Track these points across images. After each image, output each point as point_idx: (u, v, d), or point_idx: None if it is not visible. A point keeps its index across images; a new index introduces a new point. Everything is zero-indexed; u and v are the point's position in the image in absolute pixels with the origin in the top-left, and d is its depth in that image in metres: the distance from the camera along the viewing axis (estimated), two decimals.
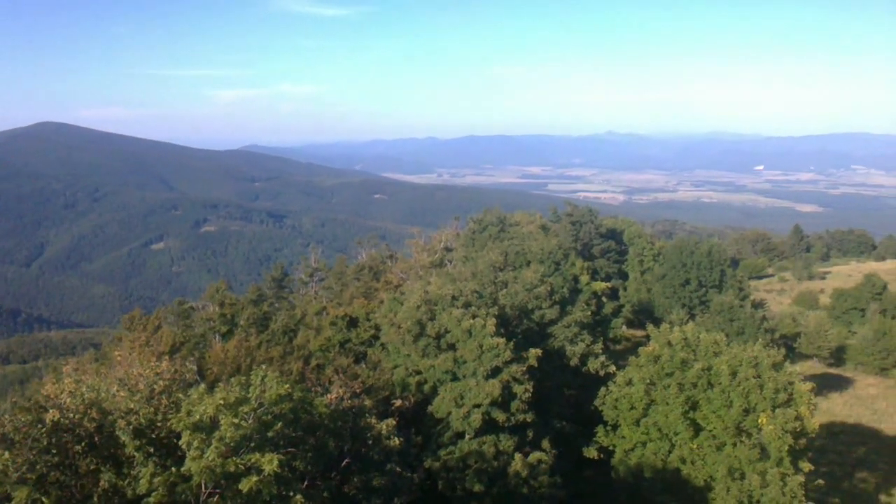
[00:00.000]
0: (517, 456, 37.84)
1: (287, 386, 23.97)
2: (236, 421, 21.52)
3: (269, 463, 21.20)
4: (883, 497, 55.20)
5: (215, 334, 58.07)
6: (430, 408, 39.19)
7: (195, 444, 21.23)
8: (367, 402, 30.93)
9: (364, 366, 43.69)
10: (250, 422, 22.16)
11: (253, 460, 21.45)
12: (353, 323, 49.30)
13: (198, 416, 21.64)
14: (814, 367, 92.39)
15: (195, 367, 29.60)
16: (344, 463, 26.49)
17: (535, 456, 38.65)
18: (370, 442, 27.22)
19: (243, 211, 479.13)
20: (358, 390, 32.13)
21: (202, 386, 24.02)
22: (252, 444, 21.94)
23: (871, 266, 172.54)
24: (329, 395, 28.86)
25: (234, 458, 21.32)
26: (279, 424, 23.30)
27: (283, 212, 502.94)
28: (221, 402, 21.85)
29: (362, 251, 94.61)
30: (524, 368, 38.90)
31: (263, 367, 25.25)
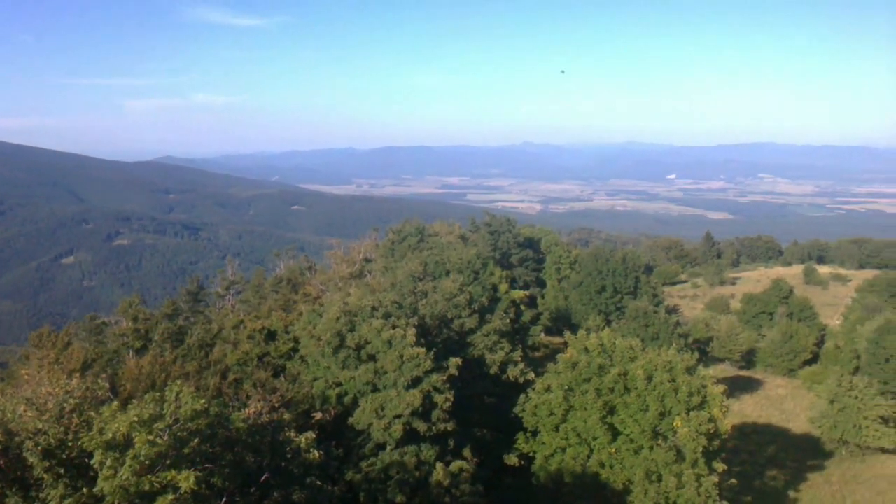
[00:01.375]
0: (439, 465, 37.89)
1: (203, 401, 23.49)
2: (151, 438, 21.00)
3: (186, 480, 20.75)
4: (792, 493, 57.13)
5: (129, 350, 56.49)
6: (350, 420, 38.95)
7: (108, 463, 20.65)
8: (287, 416, 30.55)
9: (283, 379, 43.16)
10: (165, 438, 21.66)
11: (169, 478, 20.96)
12: (271, 336, 48.66)
13: (110, 435, 21.06)
14: (726, 370, 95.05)
15: (107, 385, 28.73)
16: (263, 478, 26.07)
17: (456, 465, 38.77)
18: (289, 456, 26.86)
19: (157, 223, 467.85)
20: (277, 404, 31.69)
21: (115, 403, 23.39)
22: (168, 462, 21.44)
23: (779, 271, 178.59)
24: (247, 410, 28.38)
25: (149, 477, 20.80)
26: (195, 440, 22.82)
27: (199, 224, 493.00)
28: (135, 419, 21.31)
29: (280, 263, 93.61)
30: (445, 378, 39.01)
31: (179, 382, 24.65)
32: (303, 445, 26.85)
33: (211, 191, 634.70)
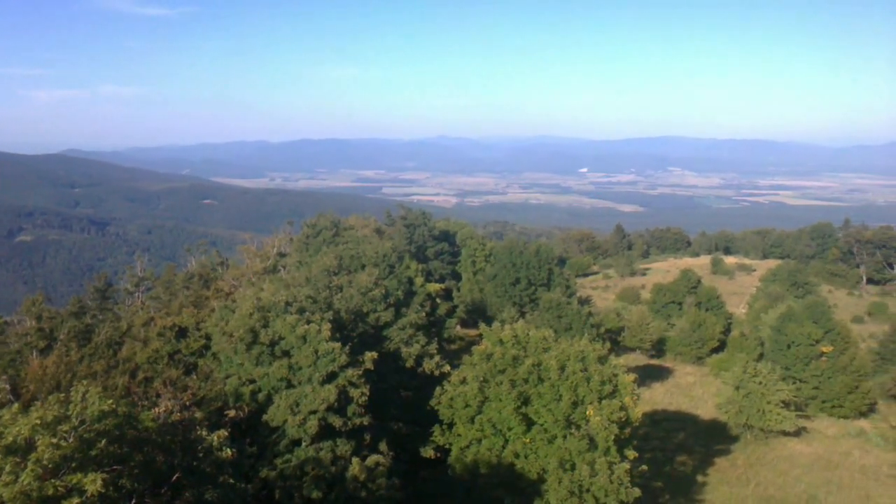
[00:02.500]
0: (355, 460, 37.73)
1: (111, 401, 22.90)
2: (55, 441, 20.38)
3: (93, 483, 20.19)
4: (700, 478, 58.81)
5: (32, 350, 54.56)
6: (265, 416, 38.45)
7: (7, 468, 19.94)
8: (198, 414, 30.00)
9: (195, 377, 42.29)
10: (71, 441, 21.04)
11: (74, 481, 20.36)
12: (182, 333, 47.64)
13: (11, 438, 20.34)
14: (637, 358, 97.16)
15: (8, 387, 27.78)
16: (174, 478, 25.56)
17: (372, 459, 38.68)
18: (201, 454, 26.41)
19: (62, 219, 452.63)
20: (188, 402, 31.10)
21: (16, 405, 22.59)
22: (73, 465, 20.84)
23: (687, 262, 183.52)
24: (157, 409, 27.81)
25: (54, 481, 20.16)
26: (103, 442, 22.23)
27: (106, 219, 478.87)
28: (38, 421, 20.64)
29: (192, 258, 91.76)
30: (360, 372, 38.87)
31: (85, 382, 23.98)
32: (215, 444, 26.44)
33: (119, 185, 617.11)
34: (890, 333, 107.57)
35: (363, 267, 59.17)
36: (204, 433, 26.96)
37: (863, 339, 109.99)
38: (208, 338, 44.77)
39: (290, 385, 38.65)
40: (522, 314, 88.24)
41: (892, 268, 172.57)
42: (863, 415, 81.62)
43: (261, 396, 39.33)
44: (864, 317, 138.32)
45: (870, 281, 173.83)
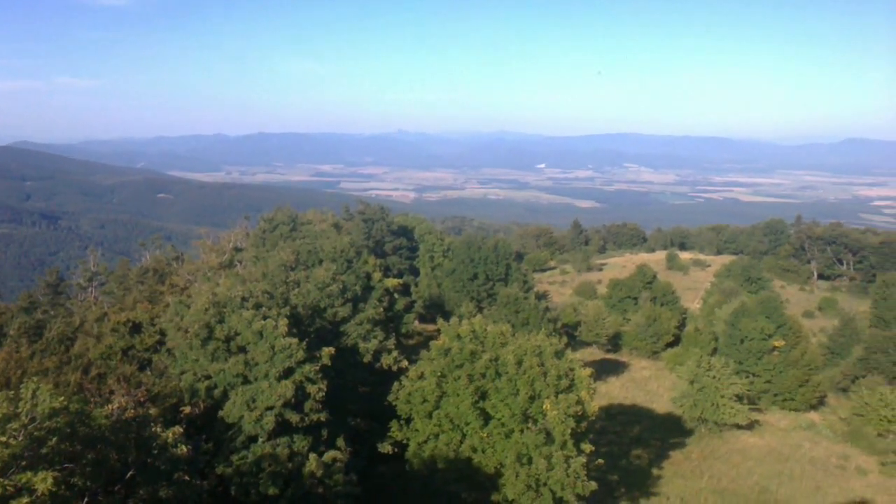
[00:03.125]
0: (312, 456, 37.53)
1: (62, 398, 22.55)
2: (4, 439, 20.02)
3: (43, 482, 19.85)
4: (655, 471, 59.50)
5: None
6: (220, 413, 38.07)
7: None
8: (153, 411, 29.65)
9: (149, 373, 41.78)
10: (20, 439, 20.67)
11: (24, 480, 20.00)
12: (136, 329, 46.99)
13: None
14: (593, 353, 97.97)
15: None
16: (128, 475, 25.25)
17: (329, 455, 38.50)
18: (156, 452, 26.09)
19: (13, 212, 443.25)
20: (142, 399, 30.74)
21: None
22: (23, 463, 20.47)
23: (643, 257, 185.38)
24: (110, 406, 27.39)
25: (2, 480, 19.79)
26: (54, 440, 21.88)
27: (59, 213, 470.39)
28: None
29: (146, 253, 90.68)
30: (317, 368, 38.64)
31: (36, 379, 23.55)
32: (170, 440, 26.17)
33: (72, 178, 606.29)
34: (839, 328, 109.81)
35: (321, 262, 58.85)
36: (158, 430, 26.65)
37: (814, 333, 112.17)
38: (163, 333, 44.18)
39: (246, 381, 38.31)
40: (480, 309, 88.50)
41: (843, 264, 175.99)
42: (813, 407, 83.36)
43: (216, 392, 38.94)
44: (814, 312, 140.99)
45: (821, 276, 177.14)
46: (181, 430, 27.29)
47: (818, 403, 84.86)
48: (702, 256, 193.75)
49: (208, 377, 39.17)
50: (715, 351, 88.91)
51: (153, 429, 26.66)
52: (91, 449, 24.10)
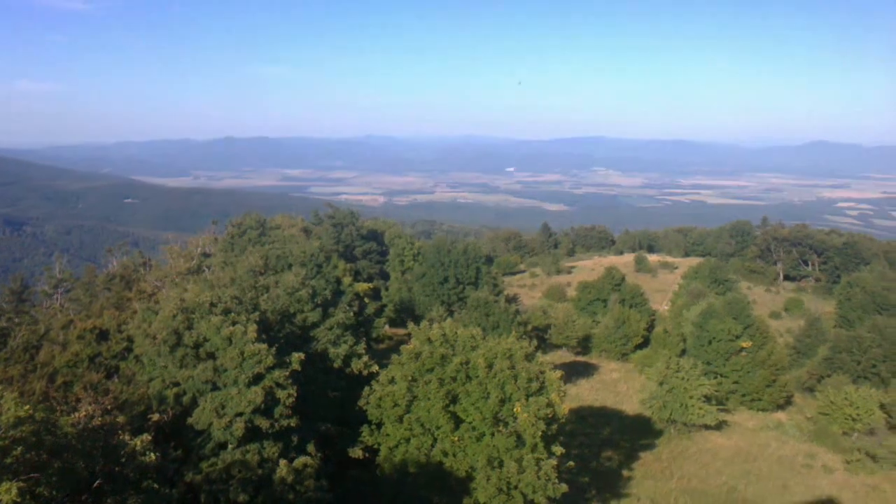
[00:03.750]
0: (282, 462, 37.33)
1: (28, 407, 22.23)
2: None
3: (7, 492, 19.56)
4: (625, 472, 59.87)
5: None
6: (189, 420, 37.77)
7: None
8: (121, 419, 29.30)
9: (117, 380, 41.35)
10: None
11: None
12: (103, 336, 46.49)
13: None
14: (563, 355, 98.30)
15: None
16: (95, 484, 24.91)
17: (300, 461, 38.31)
18: (124, 460, 25.76)
19: None
20: (110, 406, 30.32)
21: None
22: None
23: (612, 259, 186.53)
24: (77, 414, 27.02)
25: None
26: (19, 449, 21.55)
27: (23, 219, 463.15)
28: None
29: (113, 259, 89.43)
30: (287, 373, 38.48)
31: (0, 388, 23.22)
32: (138, 448, 25.87)
33: (36, 183, 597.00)
34: (805, 328, 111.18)
35: (290, 267, 58.63)
36: (126, 438, 26.35)
37: (780, 334, 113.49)
38: (130, 340, 43.77)
39: (215, 387, 38.06)
40: (451, 313, 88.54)
41: (808, 265, 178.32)
42: (780, 407, 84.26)
43: (185, 399, 38.63)
44: (781, 312, 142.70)
45: (786, 277, 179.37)
46: (149, 437, 26.99)
47: (785, 403, 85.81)
48: (669, 258, 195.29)
49: (177, 384, 38.86)
50: (683, 352, 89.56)
51: (121, 437, 26.35)
52: (57, 458, 23.75)
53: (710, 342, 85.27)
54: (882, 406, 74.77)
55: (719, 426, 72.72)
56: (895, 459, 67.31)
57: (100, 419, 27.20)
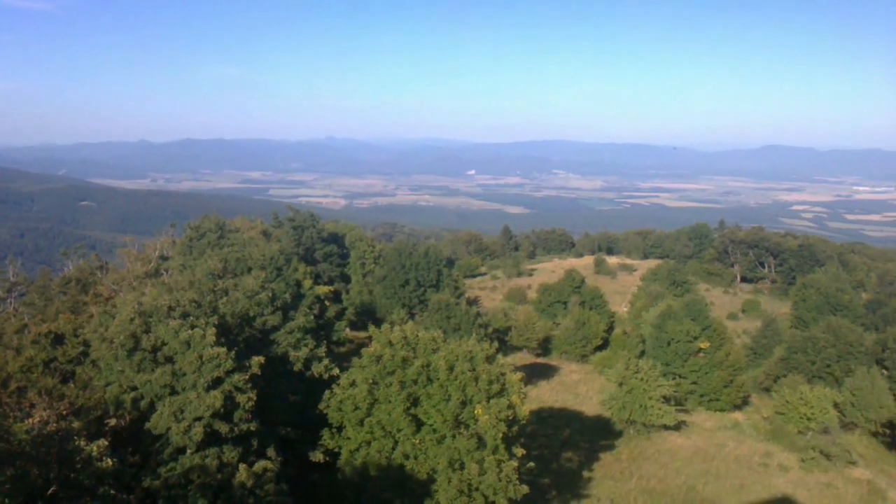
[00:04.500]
0: (242, 466, 36.98)
1: None
2: None
3: None
4: (586, 473, 60.23)
5: None
6: (147, 424, 37.27)
7: None
8: (76, 424, 28.81)
9: (72, 385, 40.71)
10: None
11: None
12: (58, 340, 45.70)
13: None
14: (524, 357, 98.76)
15: None
16: (50, 491, 24.50)
17: (260, 465, 37.98)
18: (80, 466, 25.36)
19: None
20: (65, 412, 29.84)
21: None
22: None
23: (572, 262, 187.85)
24: (31, 420, 26.54)
25: None
26: None
27: None
28: None
29: (69, 262, 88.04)
30: (247, 377, 38.15)
31: None
32: (94, 454, 25.49)
33: None
34: (762, 329, 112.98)
35: (249, 270, 58.19)
36: (82, 443, 25.92)
37: (737, 335, 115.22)
38: (87, 344, 43.11)
39: (173, 392, 37.60)
40: (412, 315, 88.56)
41: (764, 266, 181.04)
42: (737, 407, 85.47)
43: (143, 404, 38.12)
44: (738, 314, 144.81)
45: (744, 279, 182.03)
46: (106, 443, 26.60)
47: (742, 403, 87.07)
48: (629, 261, 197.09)
49: (134, 388, 38.33)
50: (642, 353, 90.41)
51: (76, 442, 25.92)
52: (10, 465, 23.32)
53: (668, 343, 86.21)
54: (836, 405, 76.25)
55: (678, 426, 73.50)
56: (848, 457, 68.70)
57: (55, 425, 26.75)
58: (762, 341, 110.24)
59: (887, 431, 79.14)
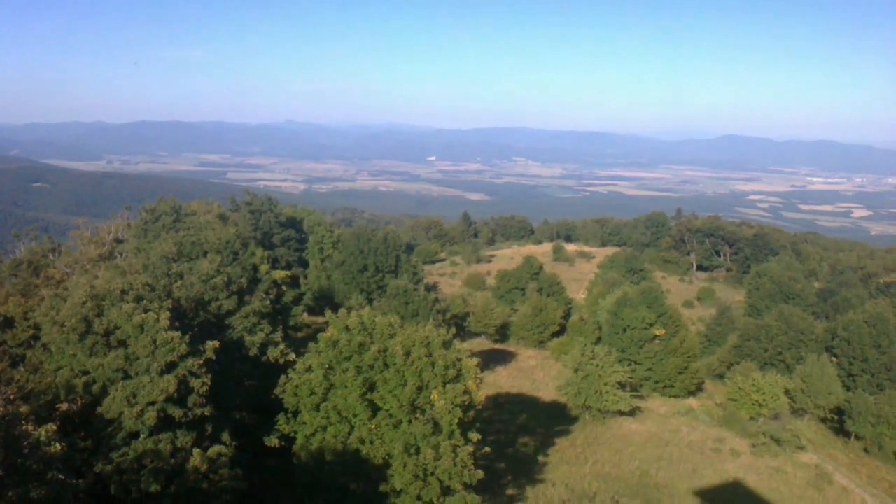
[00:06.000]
0: (196, 451, 36.73)
1: None
2: None
3: None
4: (541, 458, 60.77)
5: None
6: (99, 409, 36.80)
7: None
8: (24, 409, 28.33)
9: (22, 369, 40.04)
10: None
11: None
12: (8, 323, 44.98)
13: None
14: (482, 343, 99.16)
15: None
16: None
17: (214, 450, 37.74)
18: (27, 451, 24.95)
19: None
20: (12, 396, 29.34)
21: None
22: None
23: (531, 249, 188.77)
24: None
25: None
26: None
27: None
28: None
29: (20, 245, 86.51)
30: (201, 362, 37.83)
31: None
32: (42, 439, 25.07)
33: None
34: (716, 317, 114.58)
35: (205, 254, 57.62)
36: (30, 428, 25.49)
37: (692, 322, 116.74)
38: (38, 328, 42.45)
39: (126, 376, 37.15)
40: (370, 301, 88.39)
41: (720, 255, 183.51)
42: (691, 394, 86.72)
43: (95, 388, 37.61)
44: (693, 301, 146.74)
45: (699, 268, 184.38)
46: (54, 427, 26.17)
47: (696, 390, 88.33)
48: (587, 248, 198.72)
49: (86, 372, 37.83)
50: (599, 340, 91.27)
51: (24, 427, 25.48)
52: None
53: (624, 330, 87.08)
54: (787, 392, 77.71)
55: (633, 412, 74.38)
56: (797, 443, 70.17)
57: (1, 409, 26.28)
58: (716, 329, 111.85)
59: (835, 417, 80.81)
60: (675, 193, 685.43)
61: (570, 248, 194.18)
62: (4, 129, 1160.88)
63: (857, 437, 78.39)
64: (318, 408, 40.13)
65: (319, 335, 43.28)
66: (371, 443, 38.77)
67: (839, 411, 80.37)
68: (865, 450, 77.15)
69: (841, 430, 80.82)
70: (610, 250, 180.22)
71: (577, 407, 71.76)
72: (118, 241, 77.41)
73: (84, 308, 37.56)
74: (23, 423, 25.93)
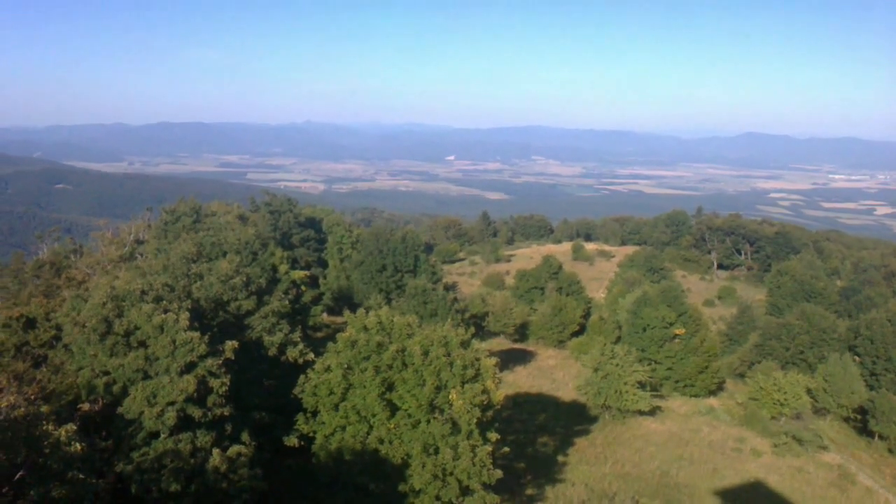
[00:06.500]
0: (215, 451, 36.90)
1: None
2: None
3: None
4: (560, 458, 60.55)
5: None
6: (120, 409, 37.05)
7: None
8: (45, 409, 28.55)
9: (44, 369, 40.37)
10: None
11: None
12: (30, 324, 45.32)
13: None
14: (501, 343, 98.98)
15: None
16: (17, 476, 24.27)
17: (234, 449, 37.93)
18: (48, 450, 25.14)
19: None
20: (34, 396, 29.57)
21: None
22: None
23: (550, 248, 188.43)
24: None
25: None
26: None
27: None
28: None
29: (43, 246, 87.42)
30: (220, 362, 38.00)
31: None
32: (63, 438, 25.26)
33: None
34: (737, 316, 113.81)
35: (224, 254, 57.84)
36: (51, 428, 25.68)
37: (713, 321, 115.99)
38: (59, 329, 42.74)
39: (146, 376, 37.38)
40: (389, 301, 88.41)
41: (741, 253, 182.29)
42: (712, 393, 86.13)
43: (116, 388, 37.86)
44: (714, 300, 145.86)
45: (720, 266, 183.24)
46: (74, 427, 26.35)
47: (717, 389, 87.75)
48: (606, 247, 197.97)
49: (107, 373, 38.06)
50: (618, 339, 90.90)
51: (45, 427, 25.67)
52: None
53: (644, 329, 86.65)
54: (809, 391, 77.06)
55: (653, 412, 74.01)
56: (820, 442, 69.54)
57: (23, 409, 26.49)
58: (737, 328, 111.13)
59: (858, 417, 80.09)
60: (696, 192, 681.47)
61: (590, 247, 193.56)
62: (27, 131, 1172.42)
63: (881, 438, 77.64)
64: (336, 407, 40.15)
65: (338, 335, 43.31)
66: (390, 442, 38.74)
67: (862, 411, 79.62)
68: (890, 450, 76.41)
69: (864, 430, 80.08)
70: (630, 249, 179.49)
71: (596, 406, 71.48)
72: (139, 241, 78.03)
73: (104, 309, 37.80)
74: (44, 422, 26.14)
